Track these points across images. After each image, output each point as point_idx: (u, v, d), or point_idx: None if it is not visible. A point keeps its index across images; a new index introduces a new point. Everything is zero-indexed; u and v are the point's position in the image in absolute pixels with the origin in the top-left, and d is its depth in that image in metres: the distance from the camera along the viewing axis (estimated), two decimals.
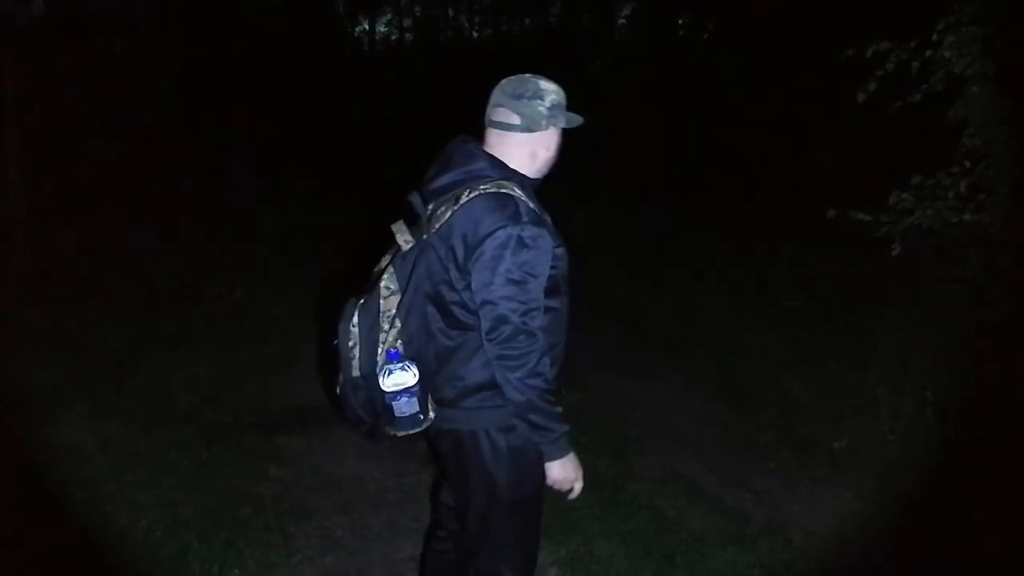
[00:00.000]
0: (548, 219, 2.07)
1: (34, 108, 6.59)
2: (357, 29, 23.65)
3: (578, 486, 2.11)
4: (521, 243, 1.93)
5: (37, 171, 6.50)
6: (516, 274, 1.93)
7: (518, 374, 1.95)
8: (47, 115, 6.74)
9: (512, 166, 2.07)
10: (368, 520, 3.56)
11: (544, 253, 1.97)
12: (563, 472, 2.07)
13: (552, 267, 2.00)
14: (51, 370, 4.75)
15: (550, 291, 2.02)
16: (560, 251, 2.04)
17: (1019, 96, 4.04)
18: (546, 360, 1.99)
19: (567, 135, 2.15)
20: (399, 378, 2.01)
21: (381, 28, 25.29)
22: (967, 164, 4.12)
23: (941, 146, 4.26)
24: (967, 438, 3.84)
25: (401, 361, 2.02)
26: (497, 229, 1.93)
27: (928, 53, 4.10)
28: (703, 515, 3.58)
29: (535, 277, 1.96)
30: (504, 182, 2.02)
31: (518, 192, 2.01)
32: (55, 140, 6.79)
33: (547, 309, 2.02)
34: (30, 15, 7.26)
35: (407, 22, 25.23)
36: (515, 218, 1.94)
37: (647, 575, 3.13)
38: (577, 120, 2.12)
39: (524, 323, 1.95)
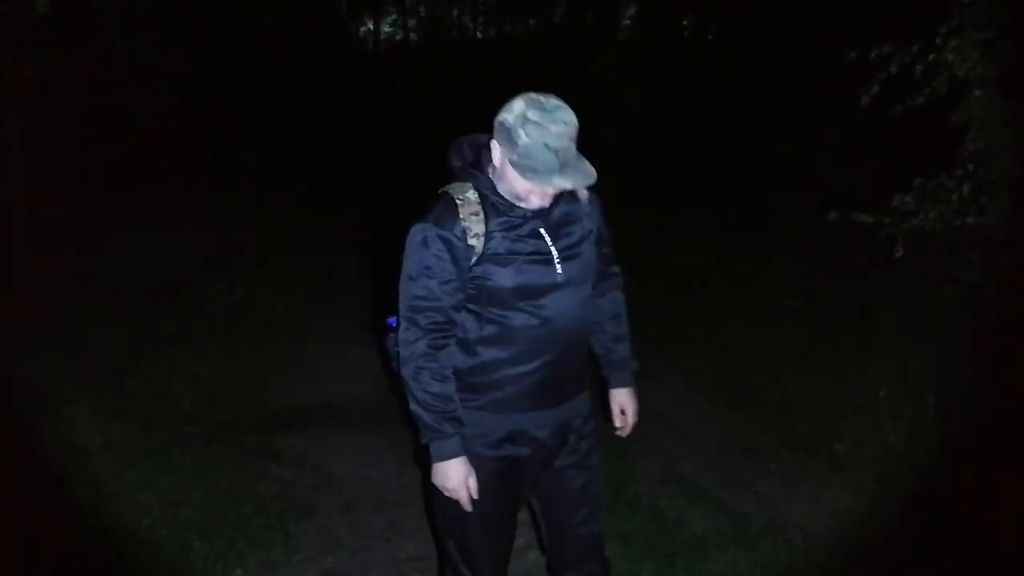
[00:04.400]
0: (500, 230, 1.98)
1: (35, 108, 6.60)
2: (361, 29, 23.66)
3: (459, 495, 2.04)
4: (423, 242, 1.97)
5: (38, 171, 6.50)
6: (412, 271, 2.00)
7: (405, 370, 2.03)
8: (48, 115, 6.75)
9: (490, 167, 2.02)
10: (369, 519, 3.56)
11: (436, 254, 1.96)
12: (435, 477, 2.05)
13: (483, 277, 1.98)
14: (52, 369, 4.76)
15: (493, 300, 2.00)
16: (504, 268, 1.98)
17: (1021, 99, 4.05)
18: (436, 364, 1.99)
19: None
20: None
21: (386, 28, 25.31)
22: (970, 167, 4.13)
23: (944, 149, 4.26)
24: (968, 439, 3.84)
25: None
26: (413, 225, 2.00)
27: (931, 56, 4.10)
28: (704, 515, 3.58)
29: (430, 277, 1.98)
30: (461, 183, 2.04)
31: (462, 193, 2.00)
32: (56, 140, 6.79)
33: (490, 320, 2.01)
34: (32, 15, 7.25)
35: (411, 22, 25.25)
36: (426, 216, 1.99)
37: (647, 575, 3.13)
38: (536, 179, 1.88)
39: (410, 319, 2.01)
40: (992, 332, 4.06)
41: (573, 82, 12.21)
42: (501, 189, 2.00)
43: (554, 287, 2.01)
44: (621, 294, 2.36)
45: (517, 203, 1.99)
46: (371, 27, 24.12)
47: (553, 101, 1.89)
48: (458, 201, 2.00)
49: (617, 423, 2.37)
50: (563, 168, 1.87)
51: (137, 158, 7.56)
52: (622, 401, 2.37)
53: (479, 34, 24.98)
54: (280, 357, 5.62)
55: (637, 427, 2.39)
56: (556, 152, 1.86)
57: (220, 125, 9.17)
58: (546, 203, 2.00)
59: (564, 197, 2.06)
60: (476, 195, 2.01)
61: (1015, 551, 3.02)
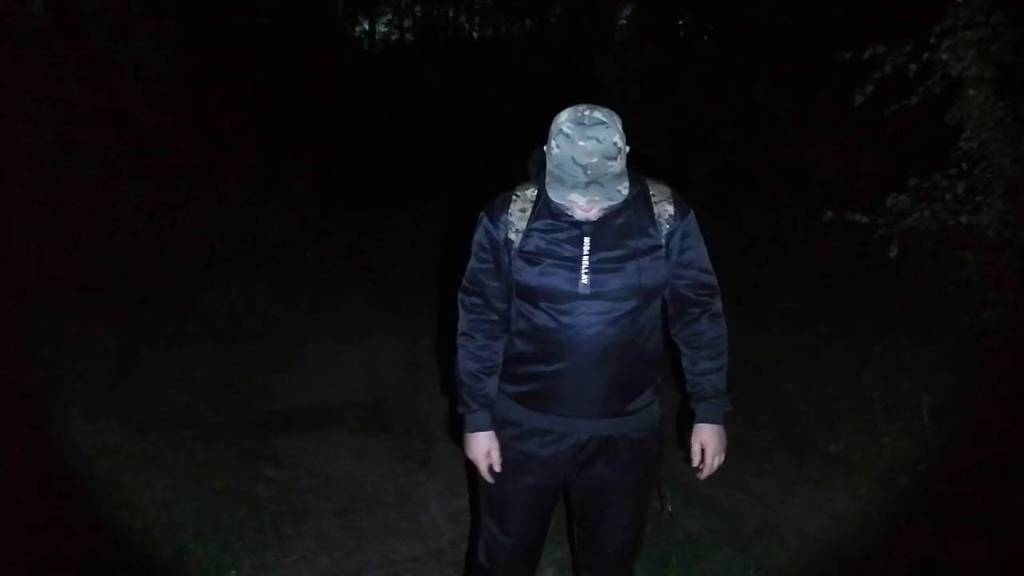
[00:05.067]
0: (540, 233, 2.02)
1: (33, 108, 6.59)
2: (357, 29, 23.63)
3: (479, 466, 2.18)
4: (476, 229, 2.10)
5: (35, 171, 6.49)
6: (471, 253, 2.13)
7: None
8: (45, 115, 6.74)
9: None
10: (365, 521, 3.56)
11: (480, 242, 2.10)
12: (465, 446, 2.19)
13: (515, 272, 2.04)
14: (47, 370, 4.75)
15: (522, 295, 2.06)
16: (532, 267, 2.01)
17: (1015, 99, 4.06)
18: (473, 344, 2.12)
19: None
20: None
21: (381, 28, 25.27)
22: (964, 166, 4.14)
23: (938, 148, 4.27)
24: (962, 440, 3.85)
25: None
26: None
27: (925, 56, 4.11)
28: (699, 516, 3.57)
29: (476, 262, 2.12)
30: (531, 183, 2.09)
31: (522, 190, 2.07)
32: (53, 140, 6.78)
33: (522, 314, 2.07)
34: (29, 14, 7.24)
35: (407, 22, 25.21)
36: (487, 206, 2.10)
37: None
38: (558, 190, 1.89)
39: (460, 298, 2.15)
40: (986, 332, 4.07)
41: (570, 83, 12.22)
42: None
43: (576, 296, 1.98)
44: (716, 325, 2.19)
45: (565, 210, 1.98)
46: (366, 27, 24.09)
47: (596, 115, 1.87)
48: (514, 196, 2.07)
49: (695, 461, 2.19)
50: (589, 185, 1.85)
51: (134, 159, 7.55)
52: (703, 438, 2.18)
53: (475, 34, 24.96)
54: (276, 358, 5.61)
55: (722, 468, 2.23)
56: (585, 168, 1.84)
57: (217, 125, 9.16)
58: (591, 216, 1.97)
59: (633, 210, 2.00)
60: (535, 194, 2.05)
61: (1011, 550, 3.02)
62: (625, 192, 1.89)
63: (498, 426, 2.15)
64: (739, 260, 7.35)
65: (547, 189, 1.92)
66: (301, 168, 10.85)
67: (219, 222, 8.12)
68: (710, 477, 2.27)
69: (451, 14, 24.99)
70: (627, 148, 1.95)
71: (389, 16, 25.25)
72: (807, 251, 6.55)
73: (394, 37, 25.39)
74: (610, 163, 1.86)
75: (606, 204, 1.89)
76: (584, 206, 1.90)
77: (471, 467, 2.24)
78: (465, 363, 2.13)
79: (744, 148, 9.17)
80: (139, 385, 4.81)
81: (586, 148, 1.84)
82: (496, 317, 2.12)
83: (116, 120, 7.45)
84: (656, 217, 2.04)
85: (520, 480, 2.15)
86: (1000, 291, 4.11)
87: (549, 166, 1.91)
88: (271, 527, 3.41)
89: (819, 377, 4.88)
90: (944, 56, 4.08)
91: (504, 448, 2.14)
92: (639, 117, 10.91)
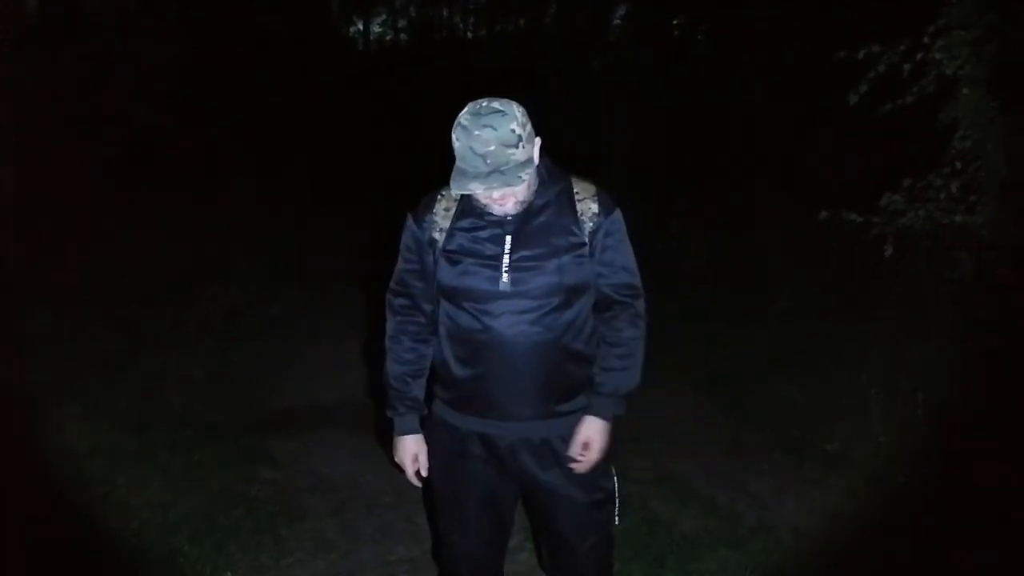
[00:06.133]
0: (447, 231, 2.03)
1: (30, 108, 6.57)
2: (351, 29, 23.63)
3: (406, 470, 2.20)
4: (404, 230, 2.11)
5: (33, 172, 6.47)
6: (399, 255, 2.15)
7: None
8: (43, 116, 6.72)
9: None
10: (361, 522, 3.56)
11: (406, 242, 2.11)
12: (393, 450, 2.21)
13: (437, 272, 2.04)
14: (44, 370, 4.74)
15: (444, 295, 2.05)
16: (452, 267, 2.01)
17: (1009, 98, 4.06)
18: (400, 347, 2.14)
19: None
20: None
21: (376, 28, 25.27)
22: (958, 165, 4.14)
23: (932, 148, 4.27)
24: (958, 439, 3.85)
25: None
26: None
27: (919, 56, 4.11)
28: (695, 516, 3.58)
29: (402, 263, 2.14)
30: None
31: (447, 191, 1.96)
32: (51, 141, 6.76)
33: (448, 315, 2.06)
34: (23, 15, 7.22)
35: (402, 22, 25.21)
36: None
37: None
38: (458, 181, 1.87)
39: (388, 300, 2.18)
40: (982, 331, 4.07)
41: (565, 82, 12.24)
42: None
43: (498, 295, 1.97)
44: (634, 326, 2.08)
45: (485, 208, 1.97)
46: (361, 27, 24.08)
47: (493, 105, 1.86)
48: (440, 196, 2.06)
49: (573, 451, 2.06)
50: (490, 174, 1.84)
51: (132, 158, 7.53)
52: (588, 431, 2.06)
53: (469, 34, 24.96)
54: (273, 358, 5.61)
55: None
56: (484, 157, 1.83)
57: (215, 125, 9.15)
58: (507, 209, 1.96)
59: (555, 208, 2.00)
60: (459, 193, 1.98)
61: (1006, 550, 3.03)
62: (526, 177, 1.88)
63: (440, 432, 2.15)
64: (736, 259, 7.37)
65: (451, 182, 1.88)
66: (300, 168, 10.85)
67: (218, 222, 8.11)
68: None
69: (445, 14, 24.98)
70: (537, 139, 1.94)
71: (383, 16, 25.22)
72: (804, 251, 6.55)
73: (388, 37, 25.37)
74: (510, 151, 1.85)
75: (507, 190, 1.88)
76: (483, 195, 1.89)
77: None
78: (392, 367, 2.15)
79: (740, 148, 9.18)
80: (136, 385, 4.82)
81: (482, 137, 1.83)
82: (423, 319, 2.13)
83: (114, 120, 7.43)
84: (579, 215, 2.03)
85: (470, 486, 2.13)
86: (995, 291, 4.11)
87: (456, 161, 1.89)
88: (267, 528, 3.41)
89: (816, 377, 4.88)
90: (938, 55, 4.07)
91: (450, 455, 2.13)
92: (635, 117, 10.95)
